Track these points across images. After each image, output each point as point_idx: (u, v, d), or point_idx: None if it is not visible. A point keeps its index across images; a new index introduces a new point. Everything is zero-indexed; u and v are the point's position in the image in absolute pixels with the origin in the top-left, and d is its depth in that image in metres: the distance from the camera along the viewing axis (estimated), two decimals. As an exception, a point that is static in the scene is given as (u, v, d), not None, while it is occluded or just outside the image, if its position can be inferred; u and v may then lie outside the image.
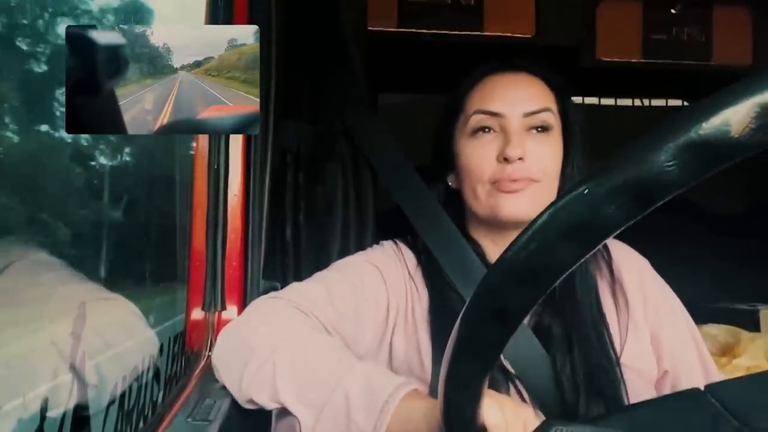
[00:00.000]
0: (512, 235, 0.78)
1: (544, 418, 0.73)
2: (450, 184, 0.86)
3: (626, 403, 0.73)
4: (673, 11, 1.73)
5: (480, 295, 0.35)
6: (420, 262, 0.83)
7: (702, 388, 0.46)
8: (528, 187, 0.75)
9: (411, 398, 0.55)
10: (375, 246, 0.86)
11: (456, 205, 0.85)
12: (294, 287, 0.75)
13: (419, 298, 0.80)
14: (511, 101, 0.78)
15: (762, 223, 1.83)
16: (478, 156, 0.78)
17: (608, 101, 2.49)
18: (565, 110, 0.82)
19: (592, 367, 0.74)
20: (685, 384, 0.79)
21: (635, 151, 0.27)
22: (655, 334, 0.81)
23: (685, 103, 2.26)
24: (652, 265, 0.86)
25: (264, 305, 0.71)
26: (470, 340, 0.37)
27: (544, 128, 0.78)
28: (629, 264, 0.84)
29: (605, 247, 0.85)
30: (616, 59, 1.72)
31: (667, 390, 0.80)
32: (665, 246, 1.67)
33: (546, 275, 0.31)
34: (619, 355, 0.77)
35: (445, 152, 0.84)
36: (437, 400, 0.56)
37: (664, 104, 2.42)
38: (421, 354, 0.76)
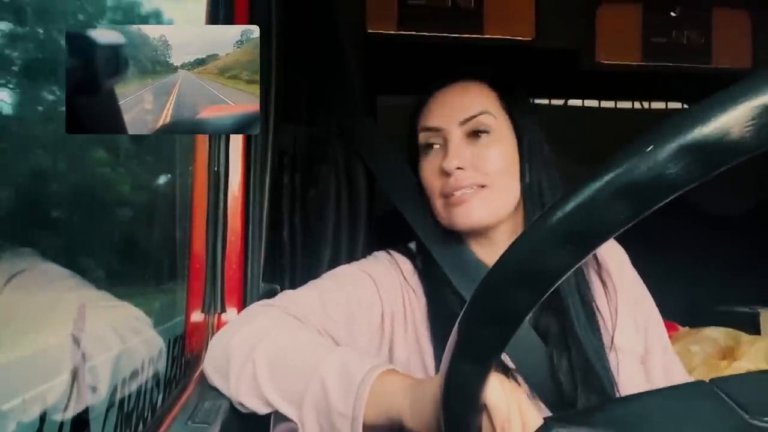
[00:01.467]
0: (491, 236, 0.80)
1: (542, 406, 0.73)
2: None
3: (618, 393, 0.74)
4: (672, 14, 1.73)
5: (514, 254, 0.33)
6: (416, 266, 0.83)
7: (707, 380, 0.45)
8: (476, 194, 0.76)
9: (387, 377, 0.55)
10: (368, 257, 0.87)
11: None
12: (285, 294, 0.75)
13: (417, 302, 0.80)
14: (448, 113, 0.79)
15: (762, 225, 1.83)
16: (427, 171, 0.81)
17: (608, 104, 2.50)
18: (510, 109, 0.81)
19: (586, 356, 0.74)
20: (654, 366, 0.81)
21: (709, 109, 0.25)
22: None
23: (685, 106, 2.26)
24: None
25: (254, 312, 0.71)
26: (493, 306, 0.35)
27: (484, 131, 0.78)
28: (611, 250, 0.86)
29: None
30: (615, 62, 1.72)
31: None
32: (666, 249, 1.68)
33: (595, 236, 0.30)
34: (612, 338, 0.78)
35: (414, 169, 0.87)
36: (415, 377, 0.55)
37: (664, 107, 2.42)
38: (424, 359, 0.76)
